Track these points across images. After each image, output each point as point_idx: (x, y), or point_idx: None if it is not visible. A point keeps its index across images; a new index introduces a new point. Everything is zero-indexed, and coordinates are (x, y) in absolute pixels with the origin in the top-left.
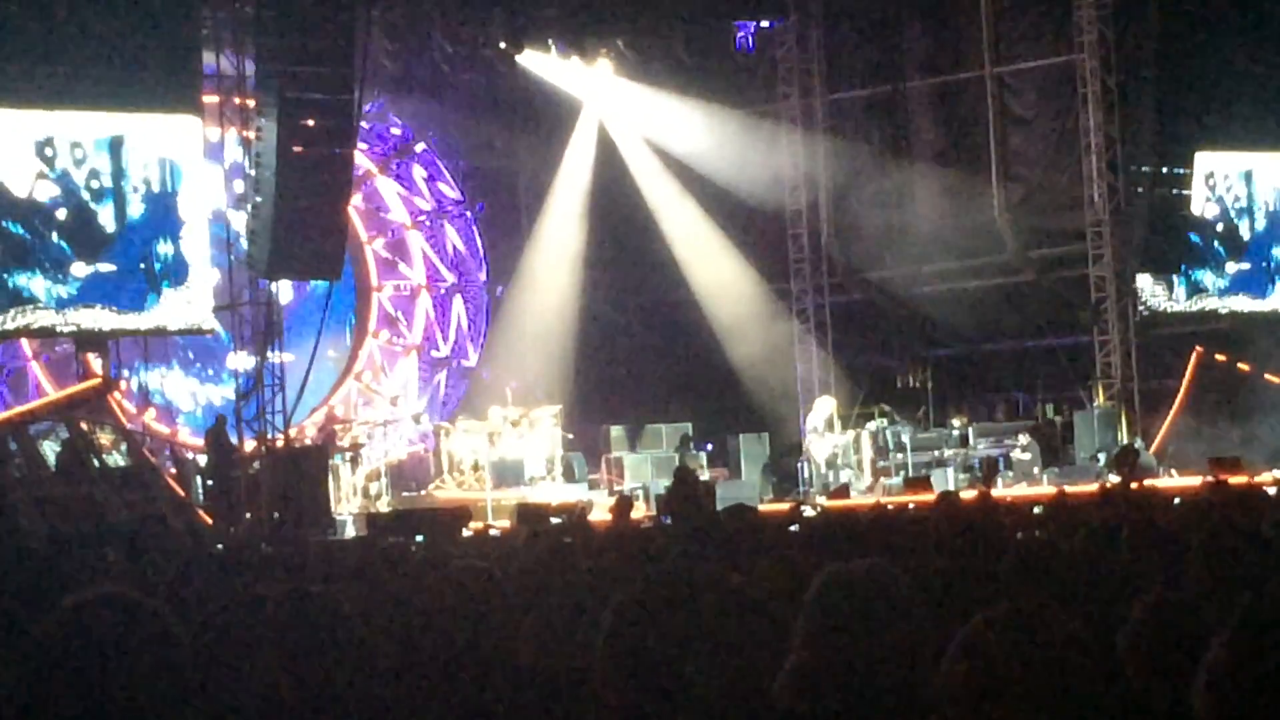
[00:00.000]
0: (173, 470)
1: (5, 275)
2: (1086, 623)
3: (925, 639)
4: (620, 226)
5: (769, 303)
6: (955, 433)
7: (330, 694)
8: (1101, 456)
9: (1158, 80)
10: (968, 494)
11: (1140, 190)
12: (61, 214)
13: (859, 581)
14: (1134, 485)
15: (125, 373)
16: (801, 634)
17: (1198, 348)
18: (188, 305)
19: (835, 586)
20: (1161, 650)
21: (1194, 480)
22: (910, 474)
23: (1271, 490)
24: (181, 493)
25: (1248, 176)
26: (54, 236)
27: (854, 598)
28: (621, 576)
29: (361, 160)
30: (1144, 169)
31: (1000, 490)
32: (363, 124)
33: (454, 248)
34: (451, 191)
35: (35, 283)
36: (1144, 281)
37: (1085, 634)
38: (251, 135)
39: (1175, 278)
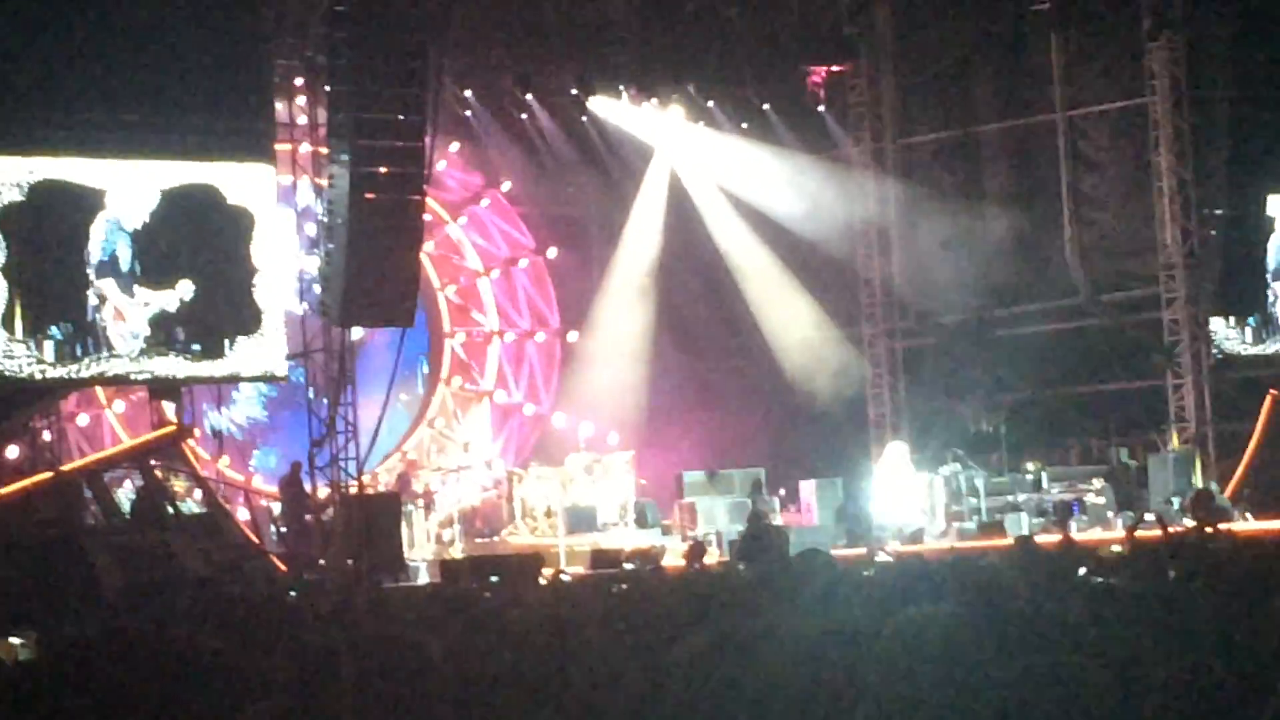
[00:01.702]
0: (247, 517)
1: (80, 323)
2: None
3: (996, 684)
4: (692, 271)
5: (841, 347)
6: (1029, 477)
7: None
8: (1176, 500)
9: (1230, 123)
10: (1044, 538)
11: (1213, 233)
12: (134, 262)
13: (930, 627)
14: (1209, 529)
15: (208, 421)
16: (874, 680)
17: (1272, 391)
18: (261, 352)
19: (906, 633)
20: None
21: (1270, 524)
22: (984, 519)
23: None
24: (255, 539)
25: None
26: (126, 285)
27: (925, 644)
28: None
29: (434, 207)
30: (1217, 211)
31: (1074, 534)
32: (435, 171)
33: (526, 294)
34: (524, 238)
35: (111, 328)
36: (1217, 324)
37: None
38: (324, 182)
39: (1248, 320)
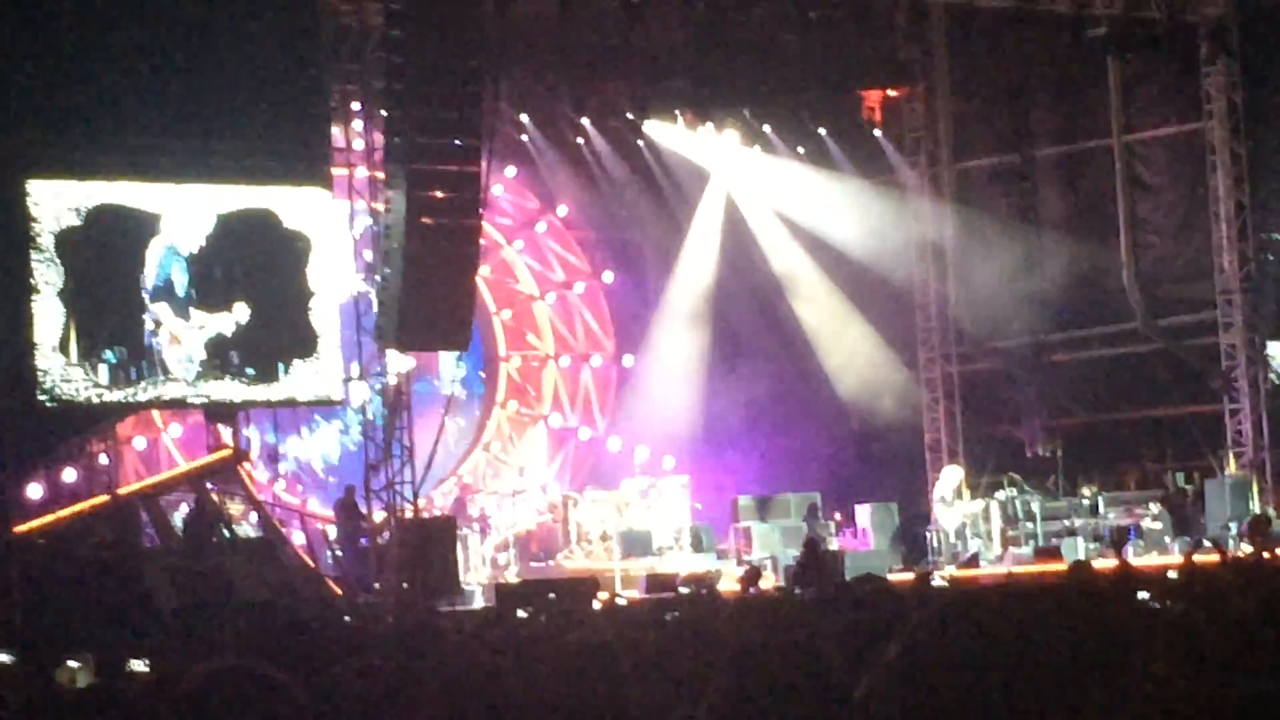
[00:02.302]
0: (303, 540)
1: (135, 348)
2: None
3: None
4: (747, 295)
5: (896, 372)
6: (1085, 502)
7: None
8: (1233, 526)
9: None
10: (1100, 563)
11: (1271, 258)
12: (189, 287)
13: (932, 653)
14: (1267, 555)
15: (271, 439)
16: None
17: None
18: (316, 376)
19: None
20: None
21: None
22: (1040, 543)
23: None
24: (311, 563)
25: None
26: (182, 310)
27: (927, 671)
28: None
29: (490, 231)
30: (1275, 236)
31: (1130, 559)
32: (491, 195)
33: (582, 318)
34: (580, 262)
35: (167, 352)
36: (1275, 349)
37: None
38: (380, 207)
39: None
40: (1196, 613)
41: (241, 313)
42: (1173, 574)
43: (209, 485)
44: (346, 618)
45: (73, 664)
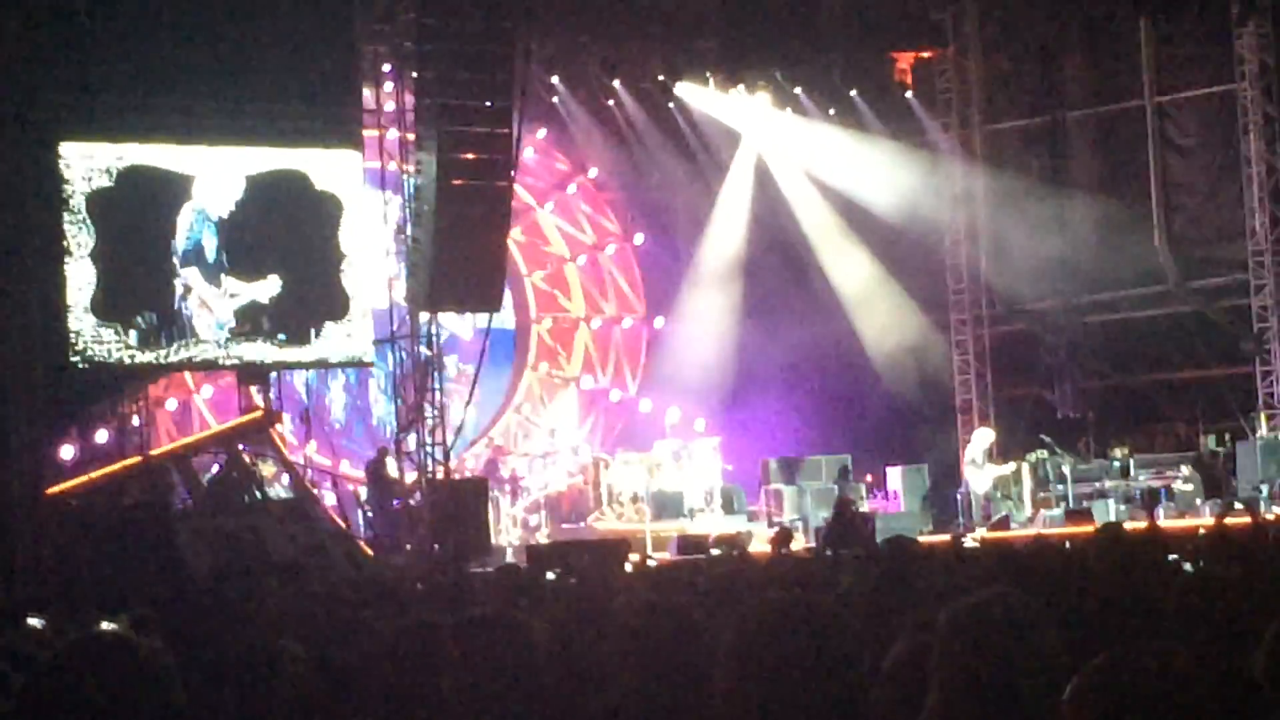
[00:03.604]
0: (333, 502)
1: (165, 313)
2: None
3: (1063, 674)
4: (778, 258)
5: (928, 334)
6: (1116, 464)
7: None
8: (1265, 488)
9: None
10: (1131, 525)
11: None
12: (220, 250)
13: (988, 615)
14: None
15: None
16: (933, 674)
17: None
18: (348, 338)
19: (965, 622)
20: None
21: None
22: (1071, 505)
23: None
24: (343, 524)
25: None
26: (213, 276)
27: (985, 633)
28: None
29: (521, 193)
30: None
31: (1161, 521)
32: (523, 157)
33: (613, 280)
34: (611, 224)
35: (197, 317)
36: None
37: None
38: (411, 168)
39: None
40: (1227, 573)
41: (274, 278)
42: (1203, 531)
43: (241, 446)
44: (379, 576)
45: (108, 626)
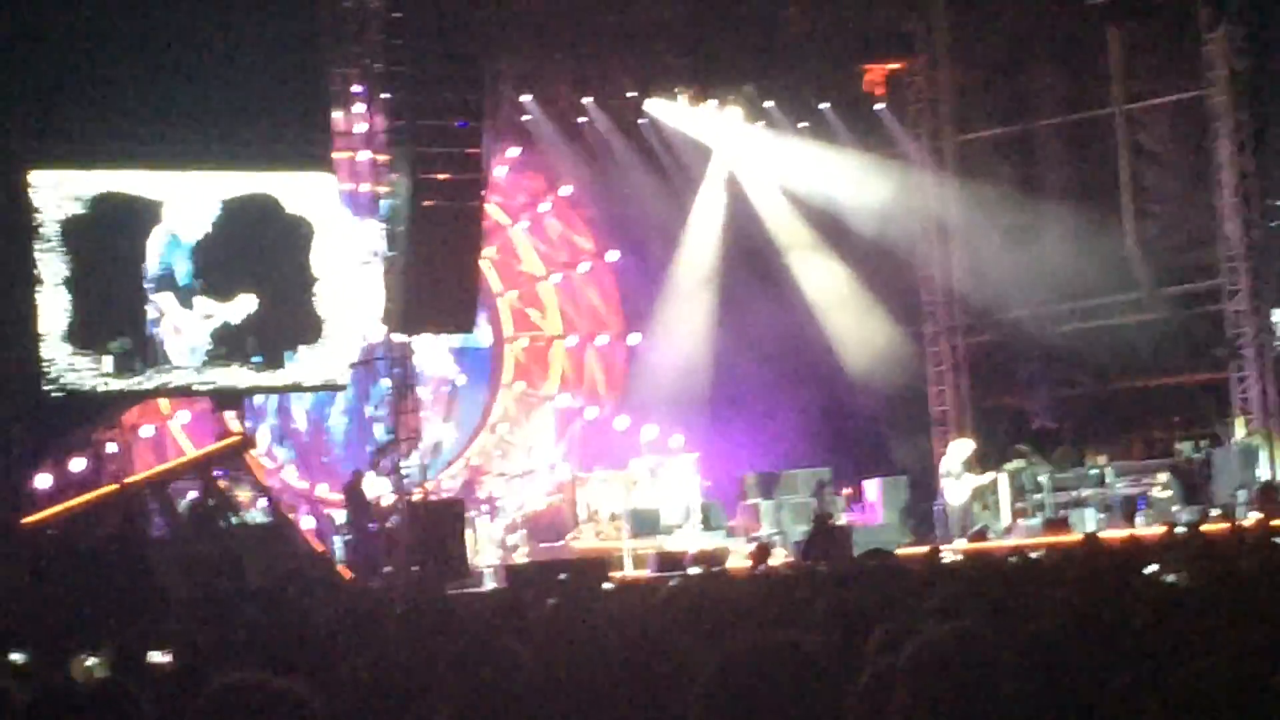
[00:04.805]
0: (312, 525)
1: (138, 338)
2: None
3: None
4: (752, 272)
5: (903, 345)
6: (1093, 472)
7: None
8: (1241, 494)
9: None
10: (1110, 533)
11: (1275, 224)
12: (193, 276)
13: (951, 649)
14: (1275, 520)
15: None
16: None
17: None
18: (322, 361)
19: (927, 655)
20: None
21: None
22: (1049, 515)
23: None
24: (320, 548)
25: None
26: (185, 299)
27: (945, 672)
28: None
29: (495, 212)
30: (1278, 203)
31: (1139, 529)
32: (496, 176)
33: (588, 297)
34: (585, 242)
35: (170, 343)
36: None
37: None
38: (384, 190)
39: None
40: (1205, 583)
41: (248, 300)
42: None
43: (216, 472)
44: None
45: (88, 659)
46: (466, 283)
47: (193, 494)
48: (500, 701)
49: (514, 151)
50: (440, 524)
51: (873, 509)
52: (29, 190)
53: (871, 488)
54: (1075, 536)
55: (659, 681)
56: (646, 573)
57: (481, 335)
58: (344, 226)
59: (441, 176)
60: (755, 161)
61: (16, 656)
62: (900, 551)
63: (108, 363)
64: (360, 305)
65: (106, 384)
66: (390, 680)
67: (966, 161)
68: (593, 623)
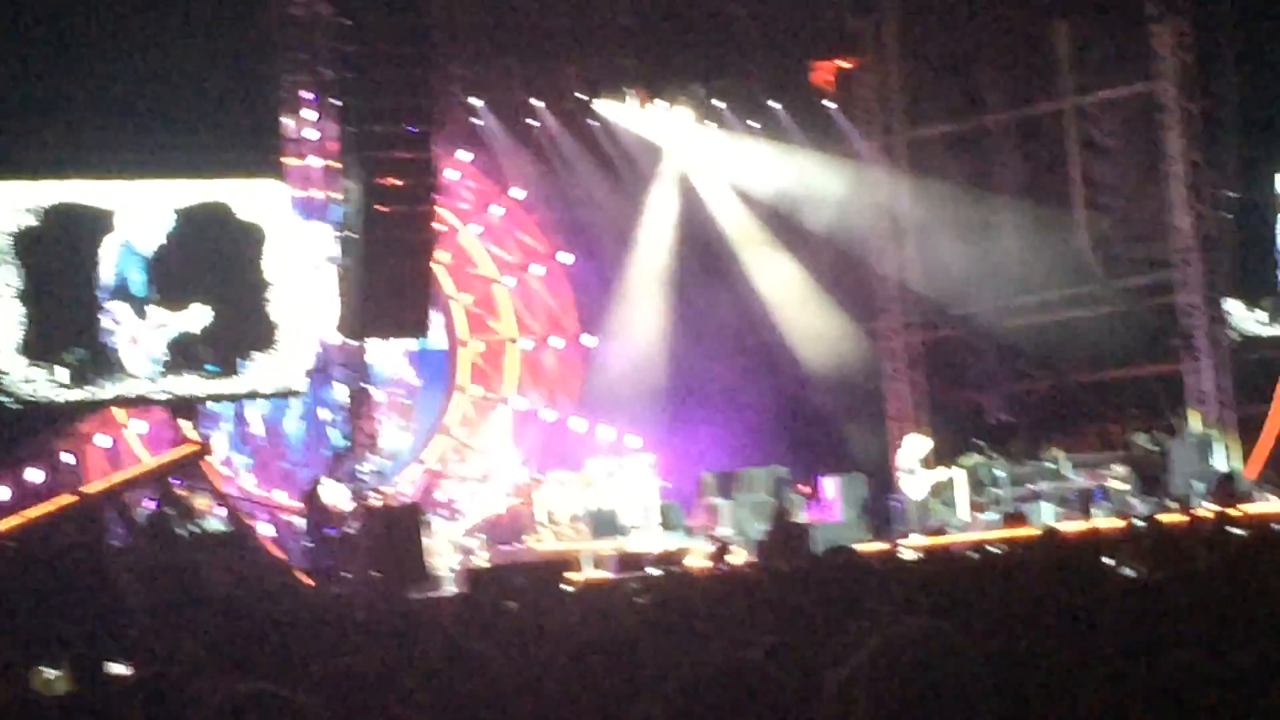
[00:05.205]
0: (271, 533)
1: (94, 348)
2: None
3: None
4: (706, 271)
5: (858, 342)
6: (1050, 466)
7: None
8: (1196, 484)
9: (1240, 104)
10: (1068, 526)
11: (1227, 215)
12: (147, 283)
13: (913, 647)
14: (1231, 511)
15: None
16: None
17: None
18: (278, 367)
19: (888, 654)
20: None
21: None
22: (1007, 508)
23: None
24: (280, 554)
25: None
26: (139, 309)
27: (908, 665)
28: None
29: (447, 216)
30: (1230, 194)
31: (1097, 521)
32: (449, 180)
33: (542, 299)
34: (538, 244)
35: (125, 352)
36: (1236, 306)
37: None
38: (337, 196)
39: (1263, 302)
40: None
41: (202, 309)
42: (1139, 522)
43: (174, 481)
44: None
45: (48, 671)
46: (420, 287)
47: (150, 503)
48: (473, 706)
49: (465, 155)
50: (398, 529)
51: (831, 506)
52: None
53: (830, 484)
54: (1034, 530)
55: (624, 681)
56: (607, 574)
57: (437, 339)
58: (296, 233)
59: (393, 181)
60: (707, 161)
61: None
62: (859, 547)
63: (63, 374)
64: (314, 311)
65: (62, 395)
66: (357, 686)
67: (918, 158)
68: (555, 624)
